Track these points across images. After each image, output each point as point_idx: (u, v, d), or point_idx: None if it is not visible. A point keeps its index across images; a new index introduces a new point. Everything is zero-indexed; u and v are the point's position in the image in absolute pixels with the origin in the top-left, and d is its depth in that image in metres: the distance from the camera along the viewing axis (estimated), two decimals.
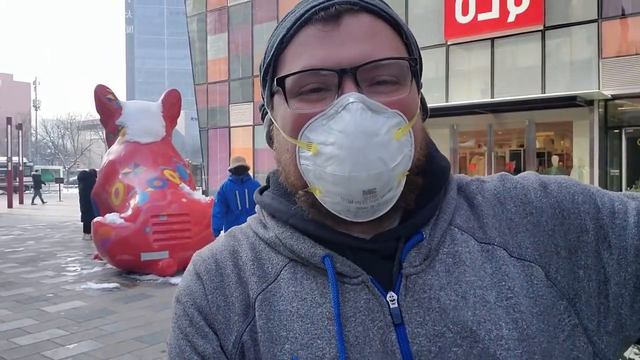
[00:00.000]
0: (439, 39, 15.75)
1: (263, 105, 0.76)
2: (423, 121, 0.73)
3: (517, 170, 15.57)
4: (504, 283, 0.64)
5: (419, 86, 0.72)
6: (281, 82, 0.66)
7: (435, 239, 0.67)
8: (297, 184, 0.68)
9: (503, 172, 0.77)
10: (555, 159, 14.55)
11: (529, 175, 0.74)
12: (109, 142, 10.02)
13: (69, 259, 9.94)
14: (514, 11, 14.32)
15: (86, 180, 12.25)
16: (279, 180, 0.74)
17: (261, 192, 0.80)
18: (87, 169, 13.60)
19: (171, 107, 10.37)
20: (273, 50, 0.69)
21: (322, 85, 0.64)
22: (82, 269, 8.90)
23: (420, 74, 0.73)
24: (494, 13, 14.62)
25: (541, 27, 14.05)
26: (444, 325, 0.61)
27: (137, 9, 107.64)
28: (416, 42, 0.72)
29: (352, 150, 0.60)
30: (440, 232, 0.68)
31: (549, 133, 16.16)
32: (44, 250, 11.03)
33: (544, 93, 13.93)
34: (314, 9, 0.65)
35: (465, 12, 15.20)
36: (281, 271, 0.69)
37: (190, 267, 0.76)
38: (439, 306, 0.63)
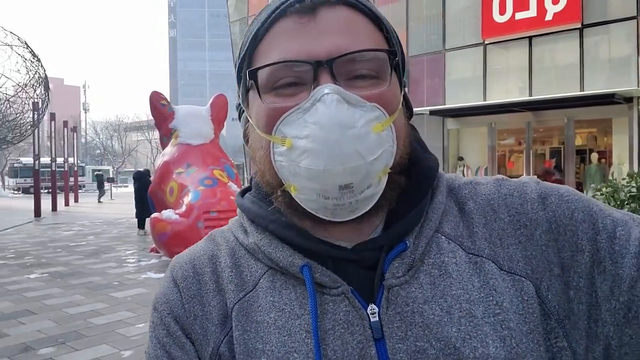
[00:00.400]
0: (476, 38, 15.96)
1: (240, 103, 0.73)
2: (408, 120, 0.71)
3: (557, 168, 15.65)
4: (491, 298, 0.61)
5: (401, 83, 0.69)
6: (253, 74, 0.63)
7: (420, 248, 0.64)
8: (272, 182, 0.66)
9: (500, 176, 0.74)
10: (594, 157, 14.56)
11: (530, 183, 0.70)
12: (163, 144, 10.81)
13: (128, 252, 10.79)
14: (551, 10, 14.42)
15: (140, 180, 13.16)
16: (258, 183, 0.72)
17: (243, 193, 0.77)
18: (141, 169, 14.50)
19: (219, 111, 11.07)
20: (247, 44, 0.67)
21: (297, 80, 0.62)
22: (140, 260, 9.70)
23: (403, 72, 0.70)
24: (532, 12, 14.75)
25: (579, 25, 14.10)
26: (427, 341, 0.59)
27: (179, 13, 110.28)
28: (398, 37, 0.69)
29: (326, 142, 0.58)
30: (425, 240, 0.65)
31: (592, 130, 16.09)
32: (104, 244, 11.96)
33: (583, 91, 13.98)
34: (289, 1, 0.63)
35: (502, 11, 15.36)
36: (260, 279, 0.67)
37: (168, 273, 0.74)
38: (422, 321, 0.60)
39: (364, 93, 0.61)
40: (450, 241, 0.66)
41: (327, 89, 0.59)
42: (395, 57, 0.64)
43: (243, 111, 0.72)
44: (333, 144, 0.58)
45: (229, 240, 0.74)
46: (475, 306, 0.61)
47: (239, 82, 0.71)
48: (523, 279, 0.63)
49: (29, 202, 25.75)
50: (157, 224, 8.73)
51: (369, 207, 0.63)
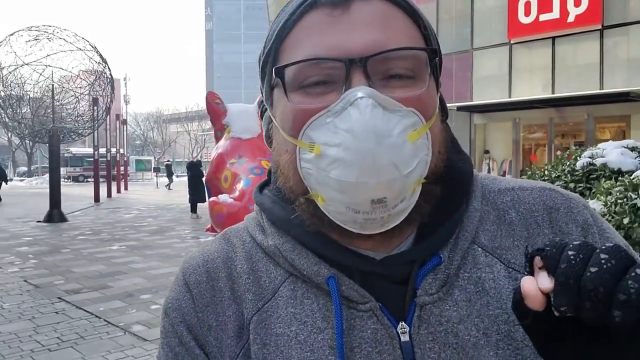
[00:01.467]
0: (502, 38, 16.90)
1: (262, 101, 0.68)
2: (443, 123, 0.64)
3: None
4: None
5: (437, 83, 0.63)
6: (280, 72, 0.58)
7: (455, 262, 0.60)
8: (296, 189, 0.61)
9: (548, 185, 0.69)
10: None
11: (578, 203, 0.66)
12: (217, 138, 12.34)
13: (186, 231, 12.39)
14: (573, 12, 15.27)
15: (193, 169, 14.83)
16: (278, 182, 0.66)
17: (261, 188, 0.73)
18: (193, 160, 16.22)
19: None
20: (274, 38, 0.61)
21: (327, 78, 0.57)
22: (198, 238, 11.28)
23: (440, 71, 0.64)
24: (555, 14, 15.62)
25: (599, 27, 14.91)
26: None
27: (215, 6, 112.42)
28: (435, 35, 0.64)
29: (359, 152, 0.52)
30: (460, 253, 0.61)
31: (620, 124, 16.84)
32: (163, 225, 13.62)
33: (602, 89, 14.83)
34: None
35: (527, 13, 16.26)
36: (280, 287, 0.64)
37: (179, 275, 0.70)
38: (457, 342, 0.57)
39: (400, 95, 0.56)
40: (487, 254, 0.62)
41: (360, 92, 0.54)
42: (435, 57, 0.60)
43: (265, 109, 0.67)
44: (367, 155, 0.52)
45: (245, 242, 0.69)
46: (515, 328, 0.57)
47: (262, 79, 0.66)
48: None
49: (80, 189, 27.93)
50: (215, 206, 10.25)
51: (400, 221, 0.58)
